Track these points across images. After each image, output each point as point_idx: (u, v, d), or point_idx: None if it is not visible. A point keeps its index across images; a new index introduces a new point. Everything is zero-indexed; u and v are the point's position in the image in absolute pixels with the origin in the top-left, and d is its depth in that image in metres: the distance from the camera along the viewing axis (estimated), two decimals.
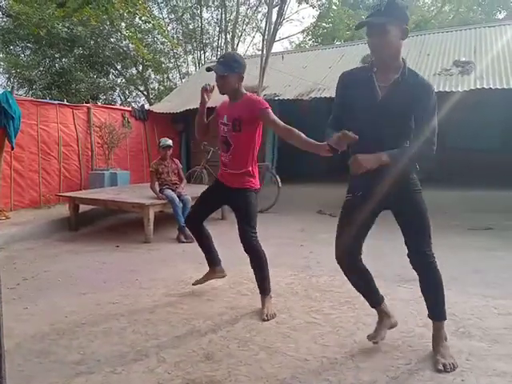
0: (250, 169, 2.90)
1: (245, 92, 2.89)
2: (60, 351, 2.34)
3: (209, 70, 2.82)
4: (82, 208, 5.95)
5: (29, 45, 14.91)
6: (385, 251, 4.16)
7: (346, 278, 2.38)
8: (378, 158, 2.03)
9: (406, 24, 2.03)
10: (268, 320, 2.72)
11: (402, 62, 2.09)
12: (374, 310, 2.67)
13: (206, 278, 3.25)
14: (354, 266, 2.32)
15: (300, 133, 2.62)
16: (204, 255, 3.23)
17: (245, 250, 2.86)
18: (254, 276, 2.94)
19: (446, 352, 2.15)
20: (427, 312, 2.26)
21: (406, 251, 2.19)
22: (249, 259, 2.89)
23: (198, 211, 3.13)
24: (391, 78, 2.08)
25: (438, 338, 2.21)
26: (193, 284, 3.26)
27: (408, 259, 2.19)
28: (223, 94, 2.90)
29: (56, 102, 7.82)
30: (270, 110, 2.77)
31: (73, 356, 2.28)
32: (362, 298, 3.04)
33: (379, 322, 2.38)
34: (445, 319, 2.23)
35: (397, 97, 2.05)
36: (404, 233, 2.19)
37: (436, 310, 2.22)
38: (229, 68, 2.75)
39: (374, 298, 2.41)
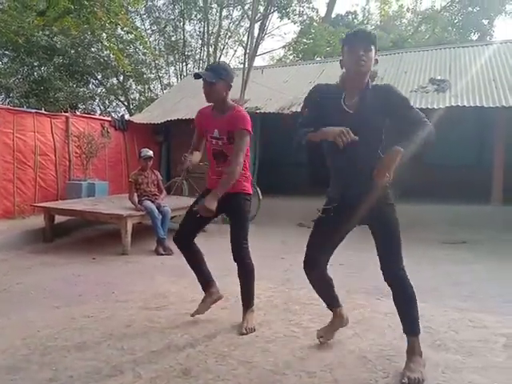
0: (247, 174, 2.90)
1: (233, 104, 2.84)
2: (31, 367, 2.26)
3: (197, 76, 2.78)
4: (58, 219, 5.82)
5: (7, 52, 14.62)
6: (366, 264, 4.19)
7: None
8: (396, 156, 2.02)
9: (376, 49, 2.15)
10: (247, 334, 2.69)
11: (368, 82, 2.20)
12: (353, 322, 2.70)
13: (206, 305, 2.93)
14: (320, 277, 2.46)
15: (231, 174, 2.65)
16: (197, 277, 3.00)
17: (234, 259, 2.80)
18: (233, 290, 2.89)
19: (415, 367, 2.13)
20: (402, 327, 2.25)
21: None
22: (236, 270, 2.84)
23: (188, 226, 2.90)
24: (356, 96, 2.18)
25: (410, 352, 2.20)
26: (192, 315, 2.90)
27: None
28: (210, 102, 2.83)
29: (33, 110, 7.68)
30: (246, 134, 2.73)
31: (45, 372, 2.20)
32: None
33: (332, 322, 2.56)
34: (417, 334, 2.22)
35: (366, 110, 2.13)
36: (377, 246, 2.22)
37: (408, 324, 2.22)
38: (217, 75, 2.70)
39: (333, 302, 2.56)
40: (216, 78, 2.70)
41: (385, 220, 2.19)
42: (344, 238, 2.37)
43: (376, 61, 2.17)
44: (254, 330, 2.74)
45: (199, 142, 3.04)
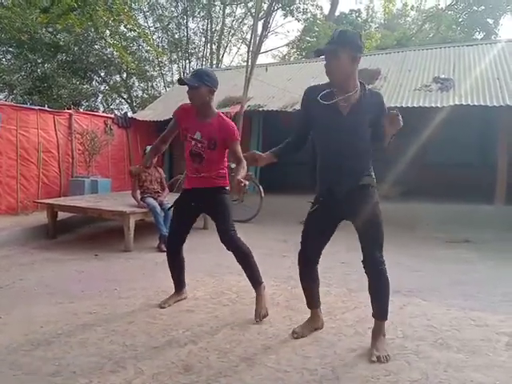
0: (223, 171, 3.06)
1: (216, 111, 3.02)
2: (34, 363, 2.26)
3: (180, 82, 2.92)
4: (61, 215, 5.83)
5: (10, 49, 14.65)
6: None
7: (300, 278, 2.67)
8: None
9: (357, 52, 2.25)
10: (264, 317, 2.85)
11: (358, 85, 2.31)
12: (354, 321, 2.70)
13: (174, 300, 3.20)
14: (310, 271, 2.62)
15: (244, 166, 2.88)
16: (173, 279, 3.22)
17: (228, 249, 2.92)
18: (234, 287, 2.89)
19: (381, 346, 2.35)
20: (372, 311, 2.45)
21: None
22: (236, 266, 2.94)
23: (177, 232, 3.10)
24: (351, 98, 2.29)
25: (377, 333, 2.41)
26: (161, 307, 3.07)
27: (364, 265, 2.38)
28: (194, 105, 2.95)
29: (37, 107, 7.71)
30: (238, 142, 3.00)
31: (47, 367, 2.21)
32: (343, 309, 3.08)
33: (309, 321, 2.68)
34: (386, 319, 2.43)
35: (360, 115, 2.28)
36: (360, 240, 2.37)
37: (380, 311, 2.42)
38: (199, 80, 2.85)
39: (314, 302, 2.71)
40: (198, 82, 2.84)
41: (369, 216, 2.30)
42: (333, 233, 2.53)
43: (354, 60, 2.23)
44: (267, 314, 2.89)
45: (170, 135, 3.14)
